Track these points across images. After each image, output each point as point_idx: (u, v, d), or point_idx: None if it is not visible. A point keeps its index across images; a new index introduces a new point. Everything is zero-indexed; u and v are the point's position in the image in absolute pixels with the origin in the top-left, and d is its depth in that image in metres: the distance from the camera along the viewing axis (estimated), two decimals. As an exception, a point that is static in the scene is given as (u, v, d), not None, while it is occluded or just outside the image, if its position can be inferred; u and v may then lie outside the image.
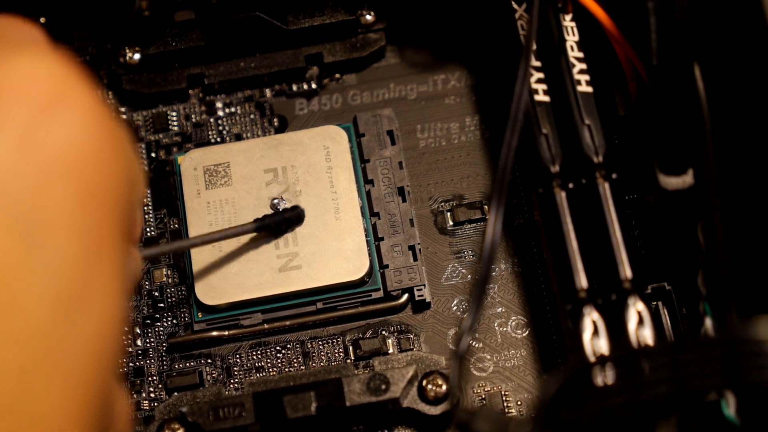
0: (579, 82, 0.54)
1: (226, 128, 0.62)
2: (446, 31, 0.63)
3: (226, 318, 0.56)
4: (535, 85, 0.55)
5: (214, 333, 0.56)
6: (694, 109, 0.50)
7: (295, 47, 0.62)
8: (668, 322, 0.54)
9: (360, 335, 0.57)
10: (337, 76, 0.63)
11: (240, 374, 0.56)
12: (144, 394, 0.56)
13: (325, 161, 0.58)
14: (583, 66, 0.55)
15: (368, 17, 0.62)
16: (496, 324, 0.57)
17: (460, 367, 0.49)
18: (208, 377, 0.56)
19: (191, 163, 0.59)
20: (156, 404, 0.56)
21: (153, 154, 0.61)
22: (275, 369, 0.56)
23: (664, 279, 0.55)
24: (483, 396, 0.55)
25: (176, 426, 0.53)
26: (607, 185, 0.53)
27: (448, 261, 0.58)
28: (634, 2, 0.51)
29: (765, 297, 0.47)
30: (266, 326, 0.56)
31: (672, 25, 0.50)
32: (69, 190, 0.32)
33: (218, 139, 0.61)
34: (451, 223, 0.59)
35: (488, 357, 0.56)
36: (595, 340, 0.50)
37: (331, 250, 0.56)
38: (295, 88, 0.62)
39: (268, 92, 0.62)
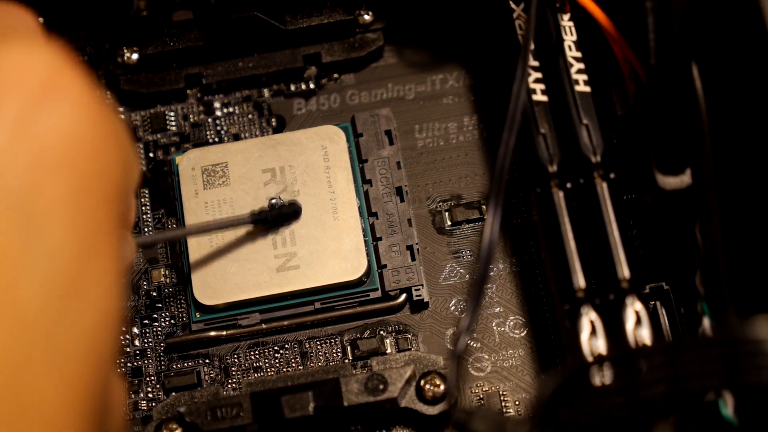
0: (577, 82, 0.54)
1: (224, 128, 0.62)
2: (444, 31, 0.63)
3: (223, 318, 0.56)
4: (533, 85, 0.55)
5: (212, 333, 0.56)
6: (692, 108, 0.50)
7: (293, 47, 0.62)
8: (666, 321, 0.54)
9: (358, 335, 0.57)
10: (335, 76, 0.63)
11: (238, 374, 0.56)
12: (142, 394, 0.56)
13: (323, 161, 0.58)
14: (581, 66, 0.55)
15: (366, 17, 0.62)
16: (494, 324, 0.57)
17: (458, 367, 0.49)
18: (206, 377, 0.56)
19: (189, 163, 0.59)
20: (154, 404, 0.56)
21: (151, 154, 0.61)
22: (273, 369, 0.56)
23: (662, 279, 0.55)
24: (481, 396, 0.55)
25: (174, 426, 0.53)
26: (605, 185, 0.53)
27: (446, 261, 0.58)
28: (632, 2, 0.51)
29: (763, 296, 0.47)
30: (264, 326, 0.56)
31: (670, 25, 0.50)
32: (63, 178, 0.32)
33: (216, 139, 0.61)
34: (449, 223, 0.59)
35: (486, 357, 0.56)
36: (592, 340, 0.50)
37: (329, 250, 0.56)
38: (293, 88, 0.62)
39: (266, 92, 0.62)
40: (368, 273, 0.56)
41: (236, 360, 0.57)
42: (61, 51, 0.34)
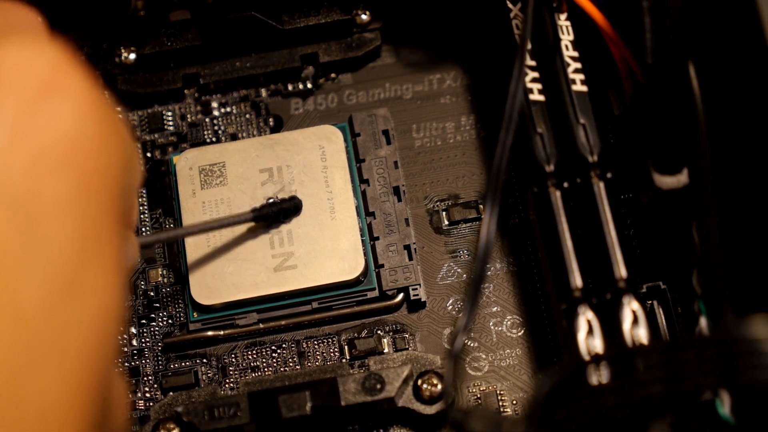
0: (574, 82, 0.54)
1: (222, 128, 0.62)
2: (442, 30, 0.63)
3: (221, 318, 0.56)
4: (530, 85, 0.55)
5: (210, 333, 0.56)
6: (689, 108, 0.51)
7: (291, 47, 0.62)
8: (663, 321, 0.54)
9: (355, 335, 0.57)
10: (333, 75, 0.63)
11: (235, 374, 0.56)
12: (139, 394, 0.56)
13: (321, 161, 0.58)
14: (578, 65, 0.55)
15: (363, 17, 0.62)
16: (491, 323, 0.57)
17: (456, 367, 0.49)
18: (204, 377, 0.56)
19: (187, 163, 0.59)
20: (151, 404, 0.56)
21: (148, 154, 0.61)
22: (270, 369, 0.56)
23: (659, 278, 0.55)
24: (478, 395, 0.55)
25: (171, 426, 0.53)
26: (602, 184, 0.53)
27: (444, 260, 0.58)
28: (628, 1, 0.51)
29: (760, 296, 0.47)
30: (261, 326, 0.56)
31: (667, 25, 0.50)
32: (64, 178, 0.32)
33: (214, 139, 0.61)
34: (446, 222, 0.59)
35: (483, 356, 0.56)
36: (589, 340, 0.50)
37: (327, 249, 0.56)
38: (290, 87, 0.62)
39: (263, 92, 0.62)
40: (365, 272, 0.57)
41: (234, 360, 0.57)
42: (63, 50, 0.34)
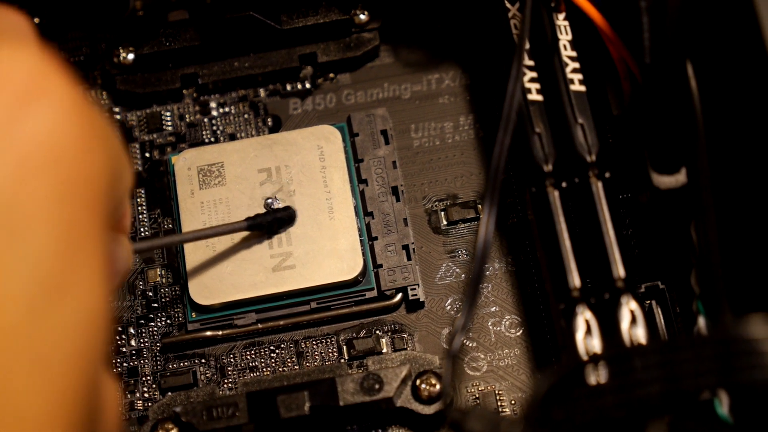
0: (572, 81, 0.54)
1: (220, 128, 0.62)
2: (440, 30, 0.63)
3: (219, 318, 0.56)
4: (528, 84, 0.55)
5: (208, 333, 0.56)
6: (687, 108, 0.51)
7: (289, 47, 0.62)
8: (661, 321, 0.54)
9: (354, 335, 0.57)
10: (331, 75, 0.63)
11: (234, 374, 0.56)
12: (138, 394, 0.56)
13: (319, 161, 0.58)
14: (576, 65, 0.55)
15: (362, 17, 0.62)
16: (489, 323, 0.57)
17: (454, 367, 0.49)
18: (202, 377, 0.56)
19: (185, 163, 0.59)
20: (150, 404, 0.56)
21: (147, 154, 0.61)
22: (269, 369, 0.56)
23: (658, 278, 0.55)
24: (477, 395, 0.55)
25: (170, 426, 0.53)
26: (600, 184, 0.53)
27: (442, 260, 0.58)
28: (627, 1, 0.51)
29: (758, 295, 0.47)
30: (260, 326, 0.56)
31: (665, 24, 0.50)
32: (47, 181, 0.32)
33: (212, 139, 0.61)
34: (444, 222, 0.59)
35: (482, 356, 0.56)
36: (588, 339, 0.50)
37: (325, 249, 0.56)
38: (289, 87, 0.62)
39: (262, 92, 0.62)
40: (364, 273, 0.57)
41: (232, 360, 0.57)
42: (46, 54, 0.33)
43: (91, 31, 0.64)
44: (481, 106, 0.61)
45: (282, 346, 0.57)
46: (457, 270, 0.58)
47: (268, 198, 0.57)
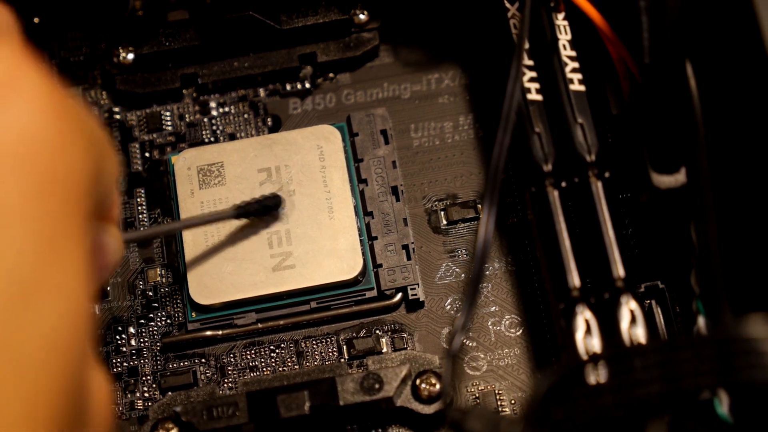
0: (572, 81, 0.54)
1: (220, 128, 0.62)
2: (440, 30, 0.63)
3: (219, 317, 0.56)
4: (527, 84, 0.55)
5: (208, 332, 0.56)
6: (687, 107, 0.51)
7: (289, 47, 0.62)
8: (661, 320, 0.54)
9: (354, 334, 0.57)
10: (331, 75, 0.63)
11: (234, 374, 0.56)
12: (138, 394, 0.56)
13: (319, 161, 0.58)
14: (576, 65, 0.55)
15: (362, 17, 0.62)
16: (489, 323, 0.57)
17: (454, 366, 0.49)
18: (202, 377, 0.56)
19: (185, 163, 0.59)
20: (150, 404, 0.56)
21: (147, 154, 0.61)
22: (269, 368, 0.56)
23: (657, 277, 0.55)
24: (477, 395, 0.55)
25: (170, 425, 0.53)
26: (599, 184, 0.53)
27: (442, 260, 0.58)
28: (626, 1, 0.51)
29: (758, 295, 0.47)
30: (260, 326, 0.56)
31: (664, 24, 0.50)
32: (22, 179, 0.31)
33: (212, 139, 0.61)
34: (444, 222, 0.59)
35: (482, 356, 0.56)
36: (587, 339, 0.50)
37: (325, 249, 0.56)
38: (288, 87, 0.62)
39: (261, 92, 0.62)
40: (364, 272, 0.57)
41: (232, 359, 0.57)
42: (21, 49, 0.33)
43: (91, 31, 0.64)
44: (480, 106, 0.61)
45: (282, 345, 0.57)
46: (457, 270, 0.58)
47: (268, 198, 0.57)
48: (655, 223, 0.56)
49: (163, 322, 0.57)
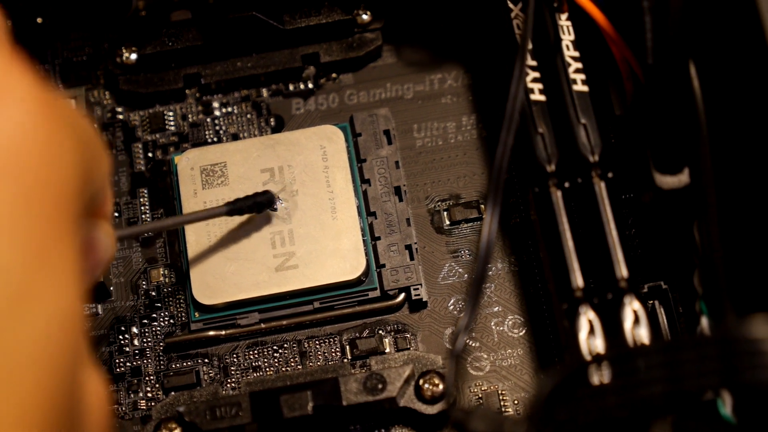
0: (575, 81, 0.54)
1: (223, 128, 0.62)
2: (443, 30, 0.63)
3: (223, 317, 0.56)
4: (531, 85, 0.55)
5: (211, 333, 0.56)
6: (690, 108, 0.51)
7: (292, 47, 0.62)
8: (664, 321, 0.54)
9: (357, 335, 0.57)
10: (334, 75, 0.63)
11: (237, 374, 0.56)
12: (141, 394, 0.56)
13: (322, 161, 0.58)
14: (579, 65, 0.55)
15: (365, 17, 0.62)
16: (492, 323, 0.57)
17: (457, 367, 0.49)
18: (205, 377, 0.56)
19: (188, 163, 0.59)
20: (153, 404, 0.56)
21: (150, 154, 0.61)
22: (272, 368, 0.56)
23: (661, 278, 0.55)
24: (480, 395, 0.55)
25: (173, 425, 0.54)
26: (603, 184, 0.53)
27: (445, 260, 0.58)
28: (629, 1, 0.51)
29: (761, 296, 0.47)
30: (263, 326, 0.56)
31: (667, 24, 0.50)
32: (11, 184, 0.31)
33: (215, 139, 0.61)
34: (447, 222, 0.59)
35: (485, 356, 0.56)
36: (591, 339, 0.50)
37: (328, 249, 0.56)
38: (291, 87, 0.62)
39: (264, 92, 0.62)
40: (367, 272, 0.57)
41: (235, 359, 0.57)
42: (5, 51, 0.33)
43: (94, 31, 0.64)
44: (483, 106, 0.61)
45: (285, 345, 0.57)
46: (460, 270, 0.58)
47: (271, 198, 0.57)
48: (658, 223, 0.56)
49: (166, 322, 0.57)
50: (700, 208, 0.51)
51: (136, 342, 0.57)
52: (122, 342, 0.57)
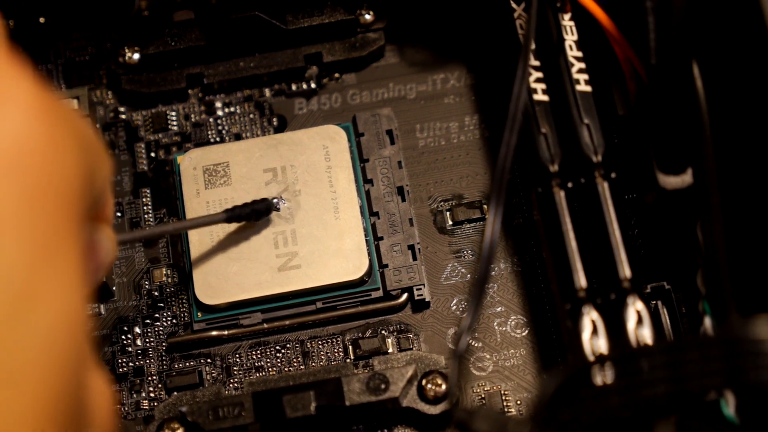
0: (578, 82, 0.54)
1: (226, 128, 0.62)
2: (445, 30, 0.63)
3: (225, 317, 0.56)
4: (534, 85, 0.55)
5: (214, 333, 0.56)
6: (693, 108, 0.50)
7: (295, 47, 0.62)
8: (667, 321, 0.54)
9: (359, 335, 0.57)
10: (337, 75, 0.63)
11: (239, 374, 0.56)
12: (144, 394, 0.56)
13: (325, 161, 0.58)
14: (582, 65, 0.55)
15: (367, 17, 0.62)
16: (495, 323, 0.57)
17: (460, 367, 0.49)
18: (208, 377, 0.56)
19: (191, 163, 0.59)
20: (156, 404, 0.56)
21: (152, 154, 0.61)
22: (275, 368, 0.56)
23: (664, 278, 0.55)
24: (482, 395, 0.55)
25: (176, 425, 0.53)
26: (606, 184, 0.53)
27: (448, 260, 0.58)
28: (632, 2, 0.51)
29: (764, 296, 0.47)
30: (266, 326, 0.56)
31: (670, 24, 0.50)
32: (15, 187, 0.31)
33: (217, 139, 0.61)
34: (450, 222, 0.59)
35: (488, 356, 0.56)
36: (594, 340, 0.50)
37: (331, 249, 0.56)
38: (294, 87, 0.62)
39: (267, 92, 0.62)
40: (370, 272, 0.57)
41: (238, 359, 0.57)
42: (7, 55, 0.33)
43: (97, 30, 0.64)
44: (486, 107, 0.61)
45: (288, 345, 0.57)
46: (463, 270, 0.58)
47: (274, 198, 0.57)
48: (662, 223, 0.56)
49: (169, 322, 0.57)
50: (703, 208, 0.51)
51: (138, 342, 0.57)
52: (125, 342, 0.57)
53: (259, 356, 0.57)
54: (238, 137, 0.61)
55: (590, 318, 0.50)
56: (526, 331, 0.57)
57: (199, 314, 0.56)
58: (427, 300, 0.57)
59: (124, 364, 0.57)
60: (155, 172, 0.61)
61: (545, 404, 0.43)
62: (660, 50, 0.51)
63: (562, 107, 0.54)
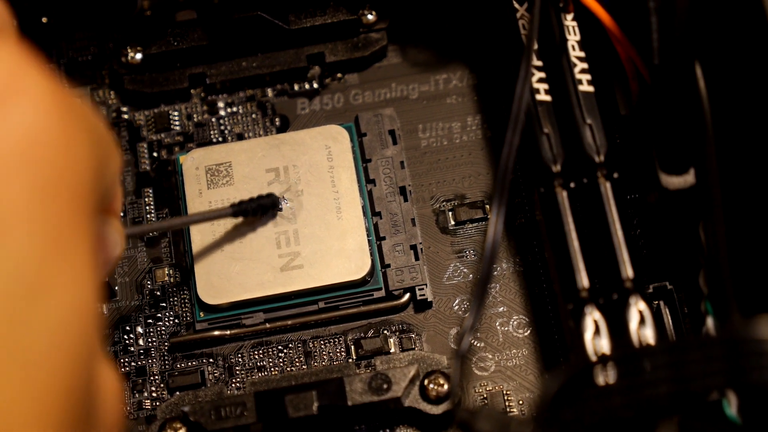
0: (580, 82, 0.54)
1: (228, 128, 0.62)
2: (448, 30, 0.63)
3: (227, 317, 0.56)
4: (536, 85, 0.55)
5: (216, 332, 0.56)
6: (696, 108, 0.50)
7: (297, 47, 0.62)
8: (670, 321, 0.54)
9: (362, 335, 0.57)
10: (339, 75, 0.63)
11: (242, 373, 0.56)
12: (146, 394, 0.56)
13: (327, 161, 0.58)
14: (585, 65, 0.55)
15: (370, 17, 0.62)
16: (497, 323, 0.57)
17: (462, 367, 0.49)
18: (210, 377, 0.56)
19: (193, 163, 0.59)
20: (158, 403, 0.56)
21: (155, 154, 0.61)
22: (277, 368, 0.56)
23: (666, 278, 0.55)
24: (485, 395, 0.55)
25: (178, 425, 0.54)
26: (608, 184, 0.53)
27: (450, 260, 0.58)
28: (635, 2, 0.51)
29: (767, 296, 0.47)
30: (268, 326, 0.56)
31: (673, 25, 0.50)
32: (26, 181, 0.31)
33: (220, 139, 0.62)
34: (452, 222, 0.59)
35: (490, 356, 0.56)
36: (596, 340, 0.50)
37: (333, 249, 0.56)
38: (296, 87, 0.63)
39: (269, 92, 0.62)
40: (372, 272, 0.57)
41: (240, 359, 0.57)
42: (20, 49, 0.33)
43: (99, 30, 0.64)
44: (488, 107, 0.61)
45: (290, 345, 0.57)
46: (465, 270, 0.58)
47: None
48: (664, 223, 0.56)
49: (171, 322, 0.57)
50: (705, 208, 0.51)
51: (140, 342, 0.57)
52: (127, 342, 0.57)
53: (261, 356, 0.57)
54: (240, 137, 0.61)
55: (592, 318, 0.50)
56: (529, 331, 0.57)
57: (202, 314, 0.56)
58: (429, 300, 0.57)
59: (126, 364, 0.57)
60: (158, 172, 0.61)
61: (547, 404, 0.43)
62: (663, 50, 0.51)
63: (565, 107, 0.54)
